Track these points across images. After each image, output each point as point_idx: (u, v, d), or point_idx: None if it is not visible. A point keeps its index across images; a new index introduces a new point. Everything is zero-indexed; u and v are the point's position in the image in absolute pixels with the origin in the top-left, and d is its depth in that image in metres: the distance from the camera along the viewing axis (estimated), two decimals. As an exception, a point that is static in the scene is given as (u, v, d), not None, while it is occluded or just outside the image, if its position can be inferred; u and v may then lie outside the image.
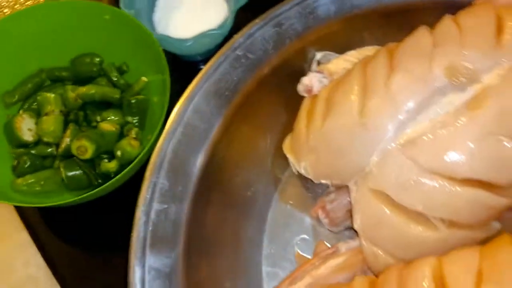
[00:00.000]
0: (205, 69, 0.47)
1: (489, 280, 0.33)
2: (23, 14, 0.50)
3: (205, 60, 0.58)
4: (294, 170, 0.51)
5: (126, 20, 0.50)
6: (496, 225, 0.41)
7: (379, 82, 0.41)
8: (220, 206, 0.47)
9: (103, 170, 0.49)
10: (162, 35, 0.52)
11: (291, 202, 0.51)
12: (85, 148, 0.47)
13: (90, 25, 0.51)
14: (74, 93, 0.51)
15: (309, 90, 0.49)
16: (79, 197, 0.45)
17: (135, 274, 0.40)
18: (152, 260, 0.41)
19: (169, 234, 0.42)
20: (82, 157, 0.48)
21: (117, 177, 0.45)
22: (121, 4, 0.52)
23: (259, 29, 0.49)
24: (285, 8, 0.50)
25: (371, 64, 0.43)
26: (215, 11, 0.55)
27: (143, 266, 0.40)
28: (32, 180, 0.48)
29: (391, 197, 0.40)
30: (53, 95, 0.51)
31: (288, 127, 0.49)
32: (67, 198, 0.46)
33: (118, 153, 0.49)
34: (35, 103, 0.52)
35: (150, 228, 0.41)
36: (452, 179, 0.38)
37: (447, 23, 0.41)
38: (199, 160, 0.46)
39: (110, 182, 0.45)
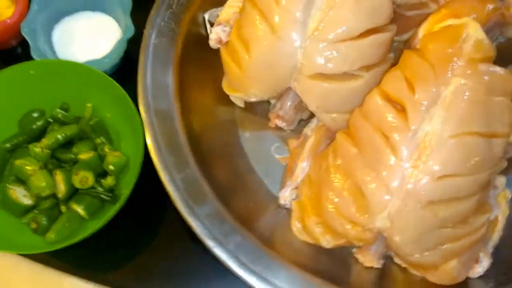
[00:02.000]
0: (141, 61, 0.56)
1: (415, 81, 0.49)
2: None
3: (114, 73, 0.66)
4: (241, 105, 0.63)
5: (47, 65, 0.56)
6: (391, 55, 0.58)
7: (271, 4, 0.54)
8: (214, 156, 0.58)
9: (106, 188, 0.56)
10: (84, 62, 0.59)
11: (252, 128, 0.63)
12: (86, 177, 0.55)
13: (21, 85, 0.56)
14: (38, 148, 0.57)
15: (220, 41, 0.60)
16: (109, 214, 0.53)
17: (197, 226, 0.50)
18: (200, 211, 0.51)
19: (198, 189, 0.52)
20: (86, 186, 0.55)
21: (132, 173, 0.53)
22: (34, 56, 0.58)
23: (158, 17, 0.59)
24: (167, -8, 0.60)
25: (256, -4, 0.56)
26: (109, 26, 0.63)
27: (198, 217, 0.50)
28: (59, 227, 0.53)
29: (323, 73, 0.54)
30: (26, 158, 0.56)
31: (219, 77, 0.61)
32: (95, 225, 0.53)
33: (111, 167, 0.56)
34: (12, 174, 0.57)
35: (184, 191, 0.51)
36: (353, 38, 0.53)
37: None
38: (180, 133, 0.56)
39: (128, 187, 0.53)
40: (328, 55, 0.53)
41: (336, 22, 0.53)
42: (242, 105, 0.63)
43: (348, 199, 0.51)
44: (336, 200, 0.52)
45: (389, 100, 0.50)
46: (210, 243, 0.49)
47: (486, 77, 0.48)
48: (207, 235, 0.49)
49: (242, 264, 0.48)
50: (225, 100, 0.62)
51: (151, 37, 0.58)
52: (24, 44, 0.61)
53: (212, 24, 0.63)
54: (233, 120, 0.64)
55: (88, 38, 0.63)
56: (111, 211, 0.53)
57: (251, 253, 0.49)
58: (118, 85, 0.55)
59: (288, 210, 0.58)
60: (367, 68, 0.55)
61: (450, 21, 0.51)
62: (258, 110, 0.64)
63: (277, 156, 0.62)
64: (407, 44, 0.57)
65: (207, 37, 0.62)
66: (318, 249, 0.56)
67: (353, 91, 0.55)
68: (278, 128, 0.62)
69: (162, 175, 0.51)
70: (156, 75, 0.57)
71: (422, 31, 0.54)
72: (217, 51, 0.61)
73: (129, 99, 0.55)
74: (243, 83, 0.58)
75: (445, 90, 0.48)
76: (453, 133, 0.47)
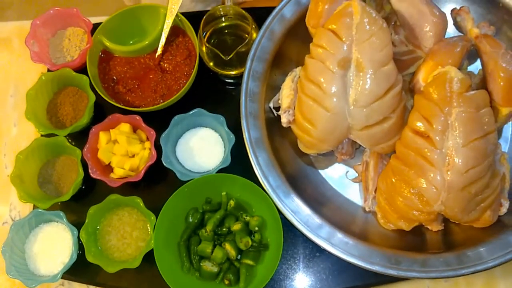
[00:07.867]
0: (247, 147, 0.85)
1: (430, 117, 0.78)
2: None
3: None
4: (314, 155, 0.92)
5: (194, 183, 0.86)
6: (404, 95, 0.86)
7: (319, 94, 0.82)
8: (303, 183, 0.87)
9: (257, 242, 0.86)
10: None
11: (325, 164, 0.93)
12: (247, 241, 0.85)
13: (182, 199, 0.86)
14: (205, 233, 0.86)
15: (290, 122, 0.89)
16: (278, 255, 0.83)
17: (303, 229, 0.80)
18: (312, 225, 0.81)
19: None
20: (248, 246, 0.85)
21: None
22: (164, 162, 0.89)
23: (246, 126, 0.87)
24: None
25: (305, 87, 0.84)
26: (213, 136, 0.94)
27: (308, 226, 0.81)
28: (244, 277, 0.84)
29: (367, 125, 0.82)
30: (202, 243, 0.86)
31: (294, 140, 0.90)
32: (265, 268, 0.84)
33: (256, 228, 0.86)
34: (195, 255, 0.86)
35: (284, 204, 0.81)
36: (379, 98, 0.81)
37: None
38: (278, 172, 0.85)
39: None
40: (367, 113, 0.82)
41: (366, 92, 0.81)
42: (316, 154, 0.92)
43: (413, 199, 0.80)
44: (405, 201, 0.81)
45: (417, 133, 0.79)
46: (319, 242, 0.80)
47: (471, 100, 0.77)
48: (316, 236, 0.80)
49: (352, 256, 0.80)
50: (302, 152, 0.92)
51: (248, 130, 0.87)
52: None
53: (276, 109, 0.91)
54: (311, 163, 0.93)
55: (202, 147, 0.93)
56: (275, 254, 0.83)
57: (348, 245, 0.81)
58: (243, 178, 0.85)
59: (373, 213, 0.88)
60: (393, 110, 0.84)
61: (437, 71, 0.79)
62: (325, 153, 0.93)
63: (349, 178, 0.92)
64: (412, 86, 0.86)
65: (275, 117, 0.91)
66: (399, 231, 0.86)
67: (389, 127, 0.84)
68: (344, 160, 0.92)
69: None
70: (256, 146, 0.86)
71: (420, 78, 0.82)
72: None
73: (251, 182, 0.84)
74: (316, 145, 0.87)
75: (451, 118, 0.76)
76: (465, 143, 0.76)
